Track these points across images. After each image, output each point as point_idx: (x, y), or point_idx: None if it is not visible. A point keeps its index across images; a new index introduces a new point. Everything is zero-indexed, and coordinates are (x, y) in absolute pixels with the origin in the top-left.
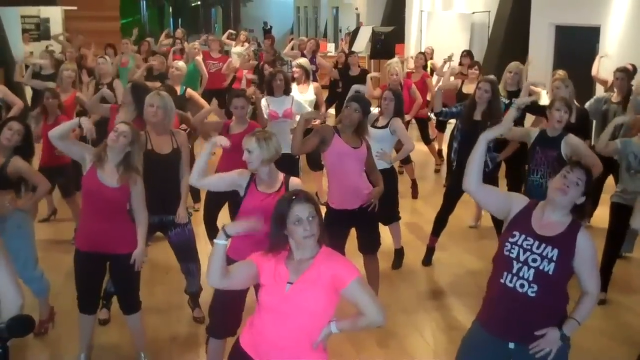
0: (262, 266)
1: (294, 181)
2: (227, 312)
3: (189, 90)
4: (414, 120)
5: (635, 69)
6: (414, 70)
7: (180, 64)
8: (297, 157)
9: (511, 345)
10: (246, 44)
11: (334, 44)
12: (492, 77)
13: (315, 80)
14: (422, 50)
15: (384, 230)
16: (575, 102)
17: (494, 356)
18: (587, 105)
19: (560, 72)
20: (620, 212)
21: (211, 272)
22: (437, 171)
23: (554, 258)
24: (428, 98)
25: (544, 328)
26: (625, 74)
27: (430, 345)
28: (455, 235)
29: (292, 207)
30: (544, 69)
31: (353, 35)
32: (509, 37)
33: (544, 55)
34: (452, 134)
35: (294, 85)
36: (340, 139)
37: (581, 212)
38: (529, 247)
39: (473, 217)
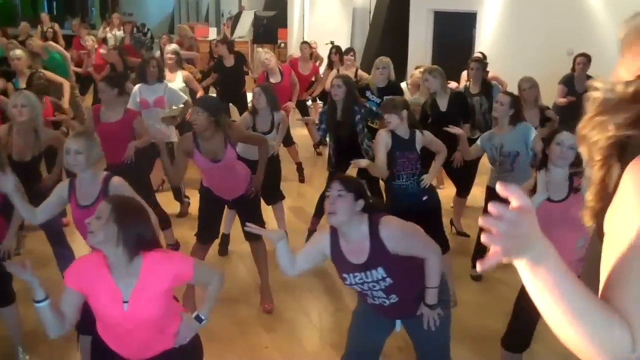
0: (85, 289)
1: (114, 182)
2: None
3: (46, 73)
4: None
5: (484, 56)
6: (298, 58)
7: (19, 52)
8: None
9: (397, 322)
10: (122, 28)
11: (215, 29)
12: (343, 73)
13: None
14: (305, 39)
15: (271, 215)
16: (455, 84)
17: (382, 325)
18: (479, 142)
19: (421, 69)
20: (493, 195)
21: (50, 329)
22: (319, 154)
23: (384, 274)
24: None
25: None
26: (479, 64)
27: (316, 327)
28: None
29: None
30: (423, 54)
31: (235, 19)
32: (390, 22)
33: (423, 41)
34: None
35: None
36: (199, 154)
37: (370, 207)
38: (361, 280)
39: None
